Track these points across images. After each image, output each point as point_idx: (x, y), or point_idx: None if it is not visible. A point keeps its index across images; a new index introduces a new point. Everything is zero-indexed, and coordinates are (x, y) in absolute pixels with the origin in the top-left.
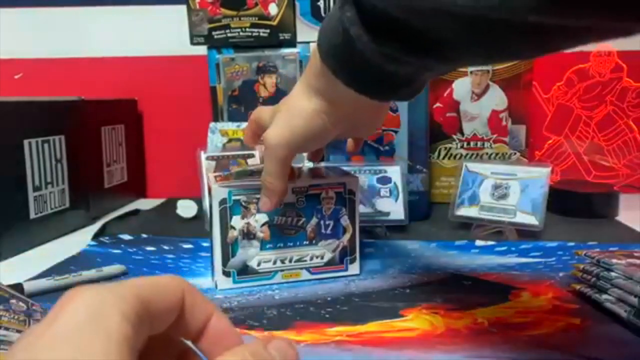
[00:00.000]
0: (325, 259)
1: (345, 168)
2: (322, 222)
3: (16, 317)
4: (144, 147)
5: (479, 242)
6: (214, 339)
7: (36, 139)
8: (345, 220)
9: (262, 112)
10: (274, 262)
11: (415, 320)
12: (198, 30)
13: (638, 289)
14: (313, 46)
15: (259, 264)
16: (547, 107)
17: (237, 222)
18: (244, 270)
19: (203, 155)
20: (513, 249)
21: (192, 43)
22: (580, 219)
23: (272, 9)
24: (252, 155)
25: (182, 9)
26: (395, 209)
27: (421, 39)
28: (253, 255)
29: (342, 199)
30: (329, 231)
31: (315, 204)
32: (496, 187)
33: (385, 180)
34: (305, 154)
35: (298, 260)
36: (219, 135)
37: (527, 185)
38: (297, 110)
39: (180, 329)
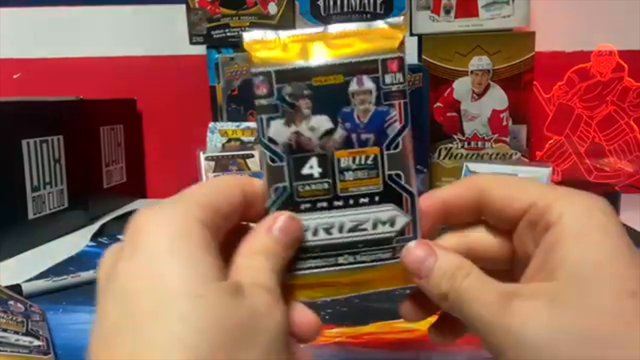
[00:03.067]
0: None
1: None
2: None
3: (14, 318)
4: (143, 147)
5: None
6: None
7: (34, 139)
8: None
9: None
10: None
11: None
12: (197, 29)
13: None
14: None
15: None
16: (547, 106)
17: None
18: None
19: (202, 156)
20: None
21: (191, 42)
22: None
23: (272, 8)
24: (252, 156)
25: (181, 8)
26: None
27: None
28: None
29: None
30: None
31: None
32: None
33: None
34: None
35: None
36: (219, 135)
37: None
38: None
39: (245, 219)
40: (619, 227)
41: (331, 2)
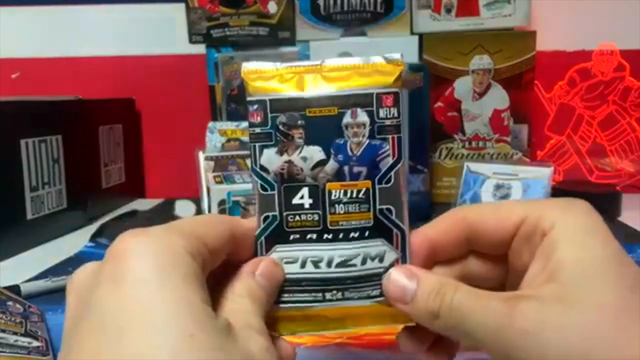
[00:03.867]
0: None
1: None
2: None
3: (13, 319)
4: (142, 147)
5: None
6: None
7: (33, 138)
8: None
9: None
10: None
11: None
12: (197, 28)
13: None
14: None
15: None
16: (549, 106)
17: None
18: None
19: (201, 156)
20: None
21: (191, 41)
22: None
23: (272, 7)
24: None
25: (181, 7)
26: None
27: None
28: None
29: None
30: None
31: None
32: (498, 187)
33: None
34: None
35: None
36: (218, 134)
37: (529, 186)
38: None
39: (233, 260)
40: (605, 226)
41: (331, 1)
